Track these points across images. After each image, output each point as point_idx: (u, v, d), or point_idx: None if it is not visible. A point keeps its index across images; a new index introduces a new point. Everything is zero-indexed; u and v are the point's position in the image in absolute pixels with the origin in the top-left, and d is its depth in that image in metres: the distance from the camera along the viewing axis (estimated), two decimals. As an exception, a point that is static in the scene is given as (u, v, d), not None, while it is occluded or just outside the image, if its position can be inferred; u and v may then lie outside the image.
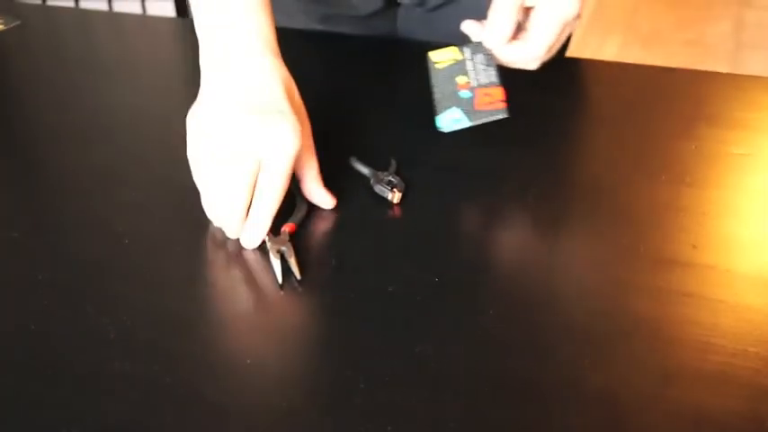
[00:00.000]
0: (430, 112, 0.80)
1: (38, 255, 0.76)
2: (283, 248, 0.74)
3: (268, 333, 0.69)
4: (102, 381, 0.64)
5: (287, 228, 0.76)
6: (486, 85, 0.81)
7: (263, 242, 0.75)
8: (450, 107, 0.80)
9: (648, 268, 0.73)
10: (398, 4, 1.08)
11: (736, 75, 1.03)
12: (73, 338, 0.67)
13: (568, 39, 1.12)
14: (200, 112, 0.74)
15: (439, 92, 0.82)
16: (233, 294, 0.73)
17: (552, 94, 0.95)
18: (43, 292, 0.72)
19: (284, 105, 0.73)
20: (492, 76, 0.82)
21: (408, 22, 1.10)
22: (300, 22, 1.10)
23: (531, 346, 0.66)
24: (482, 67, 0.82)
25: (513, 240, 0.78)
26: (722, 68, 2.73)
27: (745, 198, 0.80)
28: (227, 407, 0.62)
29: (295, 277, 0.72)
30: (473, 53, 0.83)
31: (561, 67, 1.03)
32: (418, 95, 0.86)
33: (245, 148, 0.71)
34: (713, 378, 0.63)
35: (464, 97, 0.80)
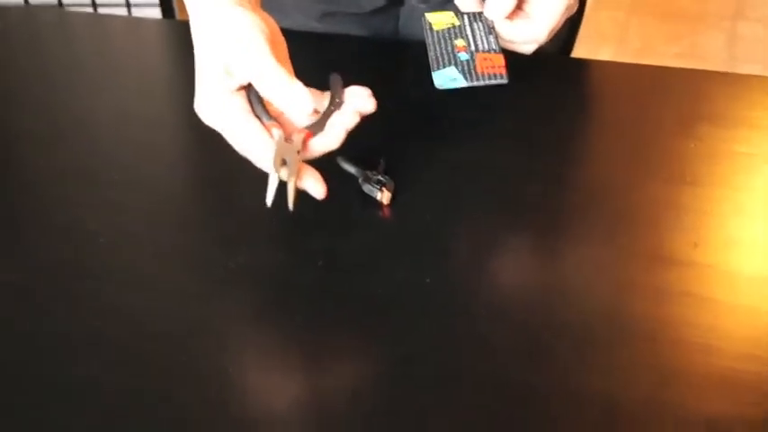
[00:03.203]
0: (424, 112, 0.78)
1: (7, 255, 0.73)
2: (288, 158, 0.66)
3: (248, 337, 0.66)
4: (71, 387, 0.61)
5: (302, 134, 0.69)
6: (485, 51, 0.79)
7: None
8: (447, 66, 0.78)
9: (648, 268, 0.70)
10: (402, 2, 1.06)
11: (734, 74, 1.01)
12: (42, 340, 0.65)
13: (573, 39, 1.11)
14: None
15: (435, 51, 0.79)
16: (211, 297, 0.70)
17: (550, 93, 0.93)
18: (15, 292, 0.69)
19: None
20: (492, 43, 0.79)
21: (411, 21, 1.07)
22: (298, 20, 1.07)
23: (527, 348, 0.64)
24: (481, 34, 0.80)
25: (507, 241, 0.75)
26: (715, 80, 2.70)
27: (747, 197, 0.78)
28: (199, 413, 0.59)
29: (287, 203, 0.66)
30: (472, 20, 0.81)
31: (560, 66, 1.01)
32: (413, 97, 0.84)
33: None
34: (716, 382, 0.61)
35: (462, 59, 0.78)
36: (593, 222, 0.76)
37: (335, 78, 0.73)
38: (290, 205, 0.66)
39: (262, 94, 0.68)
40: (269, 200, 0.66)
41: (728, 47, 3.04)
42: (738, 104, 0.90)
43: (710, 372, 0.61)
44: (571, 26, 1.07)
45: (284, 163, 0.66)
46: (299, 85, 0.68)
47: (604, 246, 0.72)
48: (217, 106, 0.69)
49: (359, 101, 0.71)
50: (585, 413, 0.59)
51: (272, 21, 0.72)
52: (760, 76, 0.95)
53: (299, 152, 0.67)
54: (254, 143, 0.68)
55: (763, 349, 0.63)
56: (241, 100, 0.69)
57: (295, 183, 0.66)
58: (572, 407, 0.59)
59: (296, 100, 0.67)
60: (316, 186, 0.69)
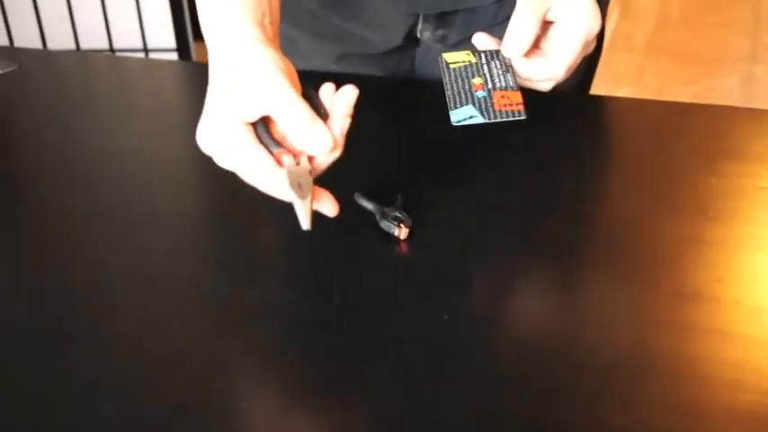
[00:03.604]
0: (442, 149, 0.77)
1: (32, 292, 0.73)
2: (302, 181, 0.66)
3: (263, 373, 0.65)
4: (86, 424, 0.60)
5: (306, 155, 0.68)
6: (503, 89, 0.78)
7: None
8: (465, 105, 0.77)
9: (672, 304, 0.68)
10: (418, 42, 1.06)
11: (754, 109, 1.00)
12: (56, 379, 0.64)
13: (591, 77, 1.11)
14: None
15: (452, 90, 0.79)
16: (227, 333, 0.69)
17: (569, 130, 0.92)
18: (33, 329, 0.68)
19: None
20: (510, 81, 0.79)
21: (427, 61, 1.07)
22: (317, 63, 1.07)
23: (550, 385, 0.62)
24: (498, 72, 0.80)
25: (527, 278, 0.74)
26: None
27: (770, 232, 0.76)
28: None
29: (301, 225, 0.66)
30: (489, 59, 0.81)
31: (578, 103, 1.01)
32: (430, 135, 0.83)
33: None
34: (745, 417, 0.59)
35: (480, 96, 0.78)
36: (616, 259, 0.74)
37: (310, 92, 0.72)
38: (308, 225, 0.66)
39: (284, 130, 0.68)
40: (305, 225, 0.66)
41: (744, 89, 3.04)
42: (759, 140, 0.89)
43: (737, 407, 0.59)
44: (589, 64, 1.07)
45: (299, 185, 0.66)
46: (320, 123, 0.67)
47: (628, 282, 0.71)
48: (224, 137, 0.68)
49: (343, 102, 0.71)
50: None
51: (288, 62, 0.72)
52: (781, 111, 0.94)
53: (310, 173, 0.67)
54: (267, 175, 0.67)
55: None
56: (248, 133, 0.68)
57: (311, 203, 0.66)
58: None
59: (319, 139, 0.67)
60: (330, 206, 0.69)
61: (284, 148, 0.68)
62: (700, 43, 3.30)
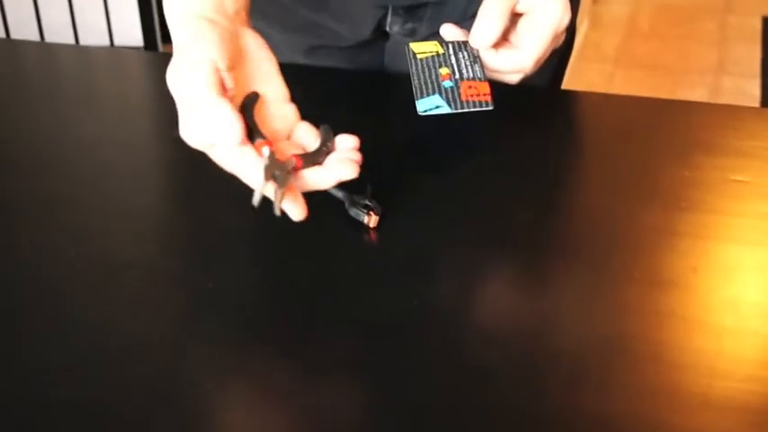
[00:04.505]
0: (411, 140, 0.76)
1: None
2: (277, 173, 0.64)
3: (229, 358, 0.63)
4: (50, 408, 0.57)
5: (293, 158, 0.66)
6: (470, 79, 0.77)
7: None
8: (431, 94, 0.76)
9: (646, 292, 0.67)
10: (387, 36, 1.04)
11: (728, 105, 1.00)
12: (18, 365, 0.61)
13: (562, 72, 1.10)
14: None
15: (419, 79, 0.77)
16: (191, 318, 0.67)
17: (542, 124, 0.91)
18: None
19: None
20: (477, 72, 0.78)
21: (396, 56, 1.06)
22: (285, 56, 1.05)
23: (522, 372, 0.61)
24: (466, 62, 0.78)
25: (499, 265, 0.73)
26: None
27: (743, 223, 0.75)
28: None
29: (274, 209, 0.63)
30: (457, 50, 0.79)
31: (550, 97, 1.00)
32: (399, 126, 0.82)
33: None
34: (720, 404, 0.58)
35: (447, 87, 0.76)
36: (588, 249, 0.73)
37: (326, 129, 0.70)
38: (277, 210, 0.63)
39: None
40: (256, 199, 0.63)
41: (711, 99, 3.06)
42: (731, 134, 0.88)
43: (712, 394, 0.58)
44: (560, 59, 1.06)
45: (274, 178, 0.63)
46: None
47: (601, 271, 0.70)
48: (203, 121, 0.65)
49: (348, 153, 0.69)
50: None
51: (254, 35, 0.70)
52: (751, 107, 0.94)
53: (289, 172, 0.65)
54: (242, 158, 0.65)
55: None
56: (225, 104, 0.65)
57: (283, 193, 0.63)
58: (570, 429, 0.56)
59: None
60: (299, 210, 0.66)
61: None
62: (668, 54, 3.33)
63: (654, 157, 0.85)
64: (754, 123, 0.90)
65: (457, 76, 0.78)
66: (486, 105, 0.77)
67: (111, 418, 0.58)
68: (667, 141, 0.88)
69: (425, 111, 0.76)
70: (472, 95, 0.77)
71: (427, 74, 0.78)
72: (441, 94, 0.77)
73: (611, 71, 3.20)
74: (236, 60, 0.68)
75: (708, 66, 3.26)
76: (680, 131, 0.90)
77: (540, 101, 0.96)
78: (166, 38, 2.67)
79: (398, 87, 0.98)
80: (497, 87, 0.79)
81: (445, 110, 0.76)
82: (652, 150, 0.86)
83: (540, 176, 0.83)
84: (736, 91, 3.11)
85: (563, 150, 0.88)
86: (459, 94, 0.77)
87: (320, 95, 0.96)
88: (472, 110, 0.76)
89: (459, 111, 0.76)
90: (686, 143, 0.87)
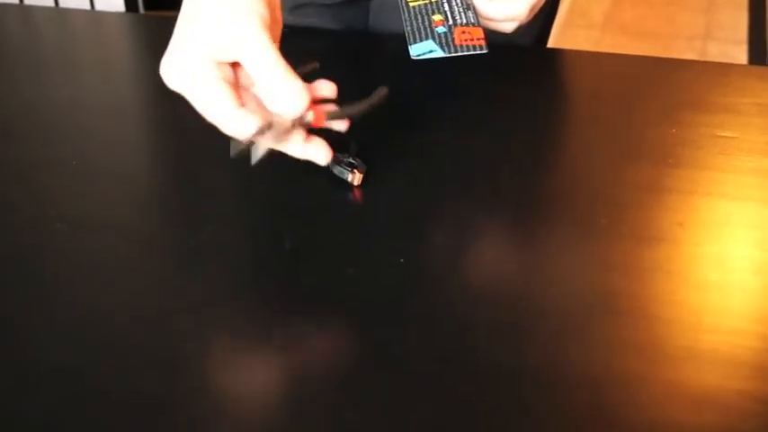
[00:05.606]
0: (397, 98, 0.74)
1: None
2: (276, 122, 0.62)
3: (215, 317, 0.62)
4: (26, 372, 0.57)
5: (314, 112, 0.64)
6: (464, 25, 0.76)
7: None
8: (425, 39, 0.75)
9: (632, 247, 0.67)
10: None
11: (713, 62, 0.99)
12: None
13: (549, 29, 1.09)
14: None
15: (411, 26, 0.76)
16: (174, 277, 0.66)
17: (529, 81, 0.90)
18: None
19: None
20: (471, 17, 0.77)
21: (381, 15, 1.05)
22: None
23: (507, 328, 0.60)
24: (459, 9, 0.77)
25: (486, 222, 0.72)
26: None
27: (732, 178, 0.75)
28: (170, 397, 0.55)
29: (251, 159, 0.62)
30: None
31: (537, 55, 0.99)
32: (384, 83, 0.81)
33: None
34: (709, 357, 0.58)
35: (440, 32, 0.75)
36: (574, 204, 0.72)
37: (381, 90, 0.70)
38: (253, 160, 0.62)
39: (257, 82, 0.64)
40: (252, 160, 0.62)
41: (699, 65, 3.05)
42: (718, 91, 0.88)
43: (702, 347, 0.58)
44: (546, 17, 1.05)
45: (269, 127, 0.61)
46: (297, 81, 0.63)
47: (587, 227, 0.69)
48: (189, 74, 0.63)
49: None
50: (571, 393, 0.55)
51: (275, 7, 0.68)
52: (738, 64, 0.93)
53: (294, 126, 0.63)
54: (230, 115, 0.62)
55: (755, 324, 0.60)
56: (215, 70, 0.63)
57: (267, 151, 0.62)
58: (556, 387, 0.56)
59: (290, 97, 0.62)
60: (324, 152, 0.67)
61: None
62: (656, 20, 3.31)
63: (641, 114, 0.84)
64: (742, 80, 0.90)
65: (450, 22, 0.77)
66: (481, 49, 0.75)
67: (95, 382, 0.57)
68: (655, 99, 0.87)
69: (419, 55, 0.75)
70: (466, 40, 0.76)
71: (420, 20, 0.77)
72: (434, 39, 0.75)
73: (599, 37, 3.19)
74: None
75: (695, 32, 3.25)
76: (667, 89, 0.89)
77: (527, 59, 0.95)
78: (148, 5, 2.62)
79: (385, 46, 0.97)
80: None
81: (439, 54, 0.75)
82: (640, 108, 0.85)
83: (527, 134, 0.82)
84: (723, 57, 3.10)
85: (550, 108, 0.87)
86: (453, 39, 0.75)
87: (306, 52, 0.95)
88: (466, 54, 0.75)
89: (453, 54, 0.75)
90: (674, 100, 0.86)
